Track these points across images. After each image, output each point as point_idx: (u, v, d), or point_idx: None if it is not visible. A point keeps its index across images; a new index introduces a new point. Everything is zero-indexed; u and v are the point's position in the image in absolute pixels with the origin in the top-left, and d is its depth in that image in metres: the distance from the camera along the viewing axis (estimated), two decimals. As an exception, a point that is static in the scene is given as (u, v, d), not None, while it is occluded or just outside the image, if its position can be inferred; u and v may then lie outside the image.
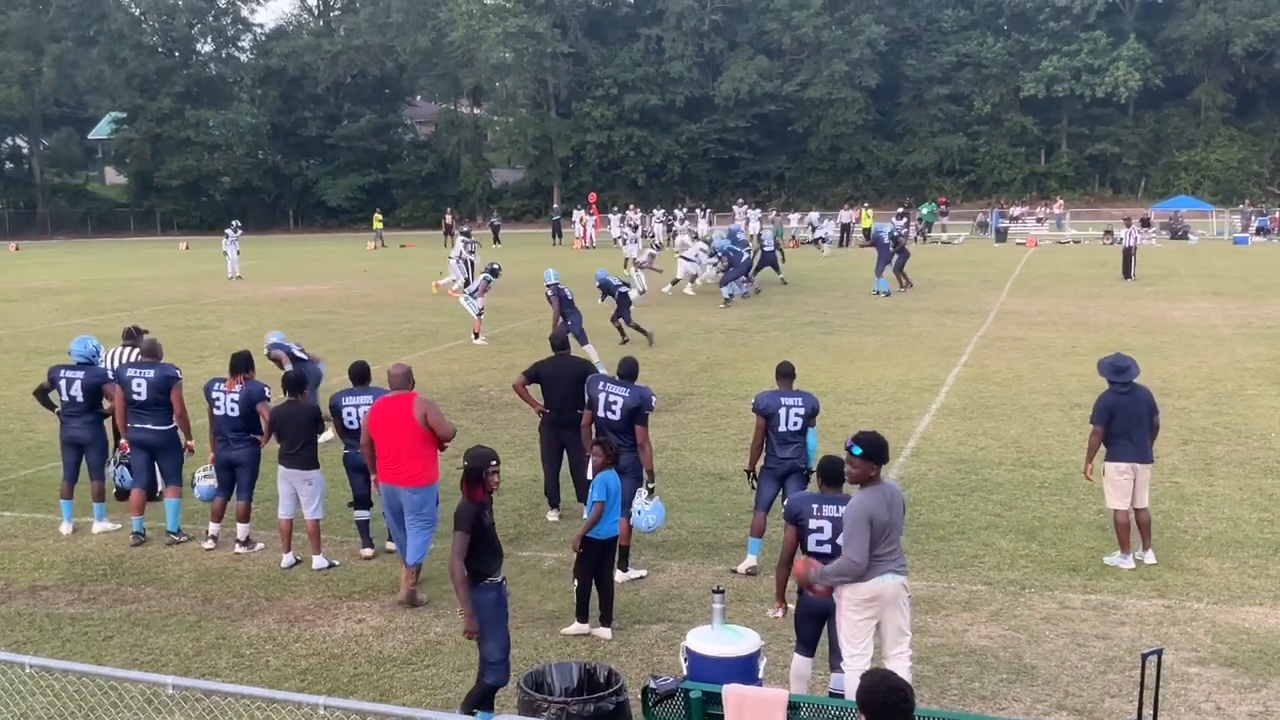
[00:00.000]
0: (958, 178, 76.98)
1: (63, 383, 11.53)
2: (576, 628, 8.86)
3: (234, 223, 45.40)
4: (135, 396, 11.21)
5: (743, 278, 30.89)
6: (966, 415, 16.09)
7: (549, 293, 20.84)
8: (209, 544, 11.00)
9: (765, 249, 33.62)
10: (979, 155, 76.81)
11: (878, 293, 30.81)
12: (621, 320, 23.14)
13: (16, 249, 64.10)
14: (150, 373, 11.29)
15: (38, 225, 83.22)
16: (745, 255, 31.48)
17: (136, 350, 12.63)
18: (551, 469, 11.77)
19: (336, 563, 10.46)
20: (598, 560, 8.84)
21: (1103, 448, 10.29)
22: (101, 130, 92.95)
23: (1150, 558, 10.12)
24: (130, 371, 11.33)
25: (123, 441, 11.60)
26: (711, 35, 78.98)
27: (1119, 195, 74.17)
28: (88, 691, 7.16)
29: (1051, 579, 9.81)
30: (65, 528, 11.56)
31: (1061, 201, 65.94)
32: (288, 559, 10.46)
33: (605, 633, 8.80)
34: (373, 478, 10.02)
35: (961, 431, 15.10)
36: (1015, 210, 63.50)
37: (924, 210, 59.61)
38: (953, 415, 16.10)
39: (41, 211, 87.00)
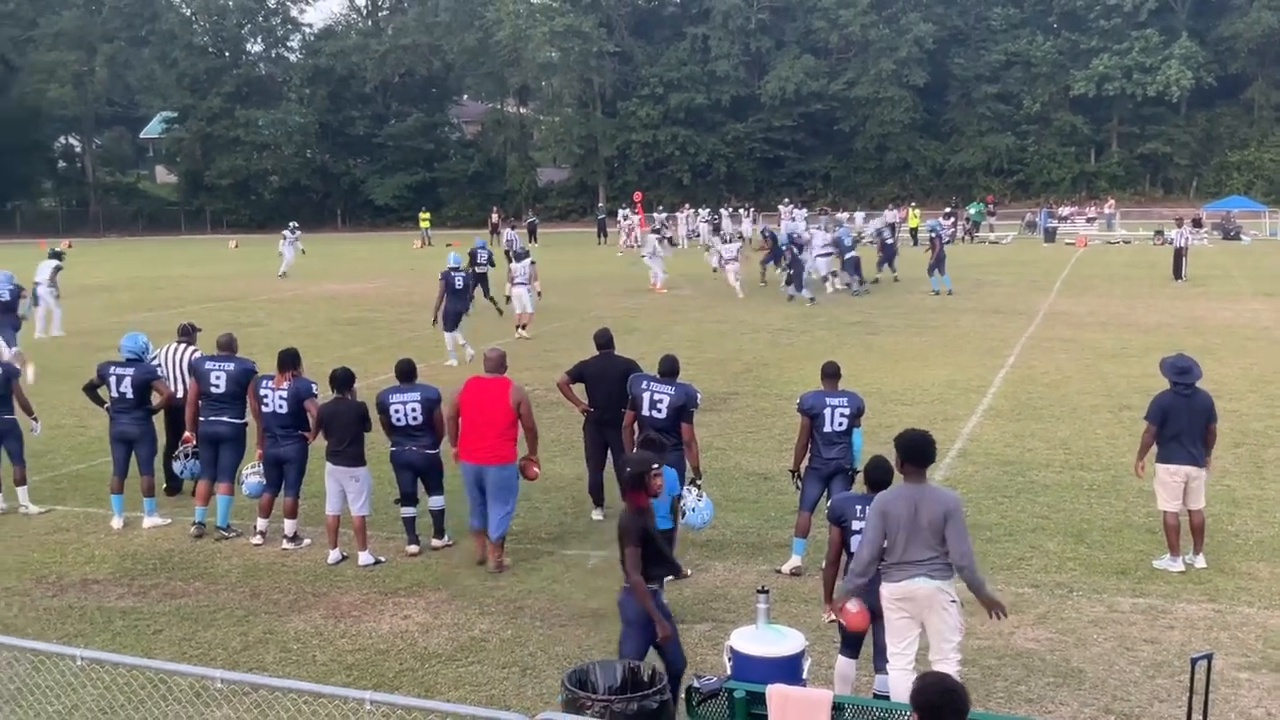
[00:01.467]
0: (1006, 177, 76.29)
1: (113, 379, 11.67)
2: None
3: (292, 224, 45.83)
4: (214, 389, 11.35)
5: (855, 276, 31.93)
6: (1014, 416, 15.97)
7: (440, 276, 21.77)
8: (257, 540, 11.11)
9: (848, 250, 33.23)
10: (1028, 155, 76.10)
11: (936, 291, 30.69)
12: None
13: (69, 246, 64.88)
14: (229, 366, 11.44)
15: (90, 223, 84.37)
16: (850, 253, 32.28)
17: (191, 347, 12.81)
18: (595, 467, 11.78)
19: (382, 559, 10.53)
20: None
21: (1156, 448, 10.18)
22: (153, 129, 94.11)
23: (1200, 561, 9.99)
24: (209, 364, 11.47)
25: (187, 434, 11.74)
26: (758, 34, 78.74)
27: (1170, 195, 73.24)
28: (137, 684, 7.25)
29: (1100, 582, 9.71)
30: (116, 522, 11.71)
31: (1112, 201, 65.20)
32: (334, 555, 10.54)
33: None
34: (452, 451, 10.39)
35: (1009, 433, 14.98)
36: (1064, 210, 62.84)
37: (972, 210, 59.15)
38: (1000, 416, 15.98)
39: (94, 209, 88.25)
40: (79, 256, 56.67)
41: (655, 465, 7.41)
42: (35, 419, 12.65)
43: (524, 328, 24.71)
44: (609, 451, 11.58)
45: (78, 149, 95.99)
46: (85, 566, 10.58)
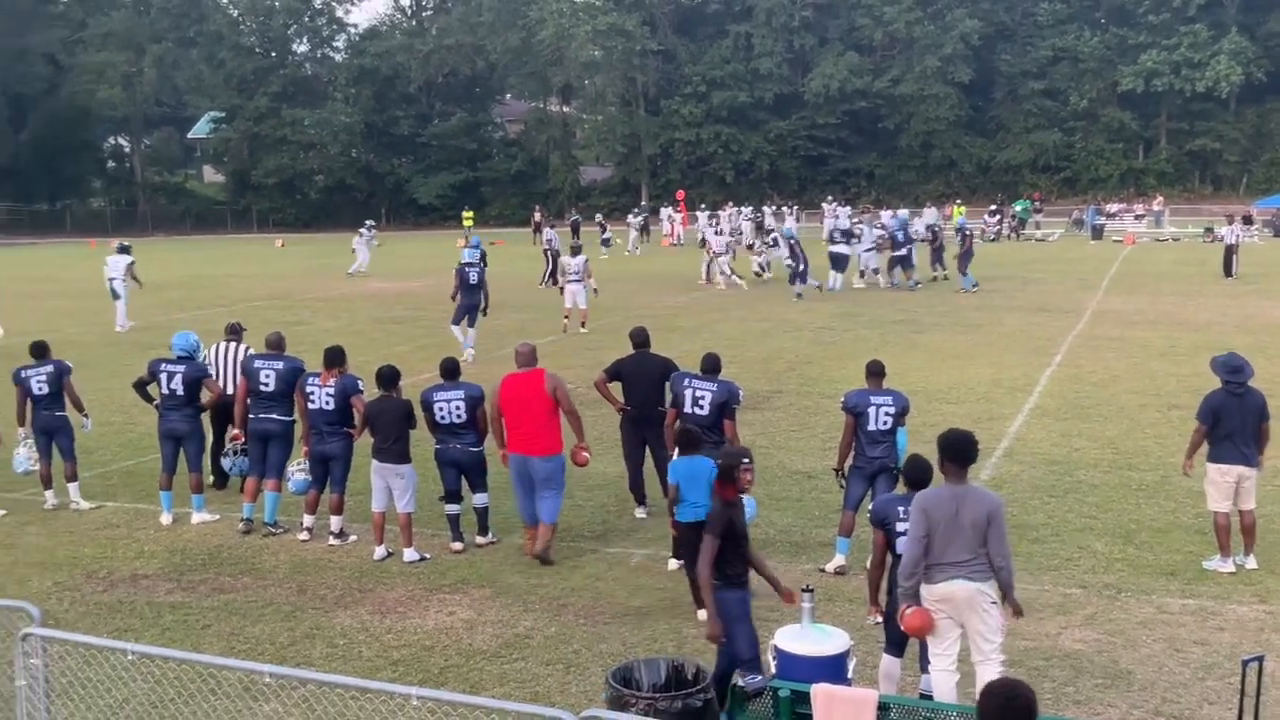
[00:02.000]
0: (1053, 174, 75.60)
1: (163, 376, 11.81)
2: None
3: (368, 222, 46.20)
4: (263, 388, 11.48)
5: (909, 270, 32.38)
6: (1061, 416, 15.83)
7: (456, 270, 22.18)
8: (304, 536, 11.21)
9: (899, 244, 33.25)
10: (1075, 151, 75.34)
11: (967, 289, 30.52)
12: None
13: (113, 246, 65.73)
14: (279, 365, 11.57)
15: (138, 222, 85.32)
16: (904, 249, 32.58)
17: (240, 345, 12.94)
18: (635, 466, 11.80)
19: (427, 556, 10.59)
20: (687, 542, 8.85)
21: (1206, 447, 10.06)
22: (200, 129, 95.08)
23: (1252, 562, 9.87)
24: (258, 363, 11.60)
25: (236, 431, 11.86)
26: (801, 31, 78.45)
27: (1220, 192, 72.30)
28: (187, 679, 7.33)
29: (1149, 583, 9.61)
30: (165, 518, 11.85)
31: (1161, 198, 64.45)
32: (380, 551, 10.61)
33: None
34: (500, 452, 10.57)
35: (1056, 432, 14.85)
36: (1112, 207, 62.19)
37: (1018, 207, 58.67)
38: (1047, 416, 15.84)
39: (142, 209, 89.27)
40: (128, 255, 57.30)
41: (746, 459, 7.41)
42: (86, 415, 12.82)
43: (582, 324, 25.06)
44: (647, 449, 11.61)
45: (126, 149, 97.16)
46: (135, 562, 10.71)
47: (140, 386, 12.18)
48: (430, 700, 5.05)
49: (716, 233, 36.71)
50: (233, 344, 13.01)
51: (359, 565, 10.46)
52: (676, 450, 9.51)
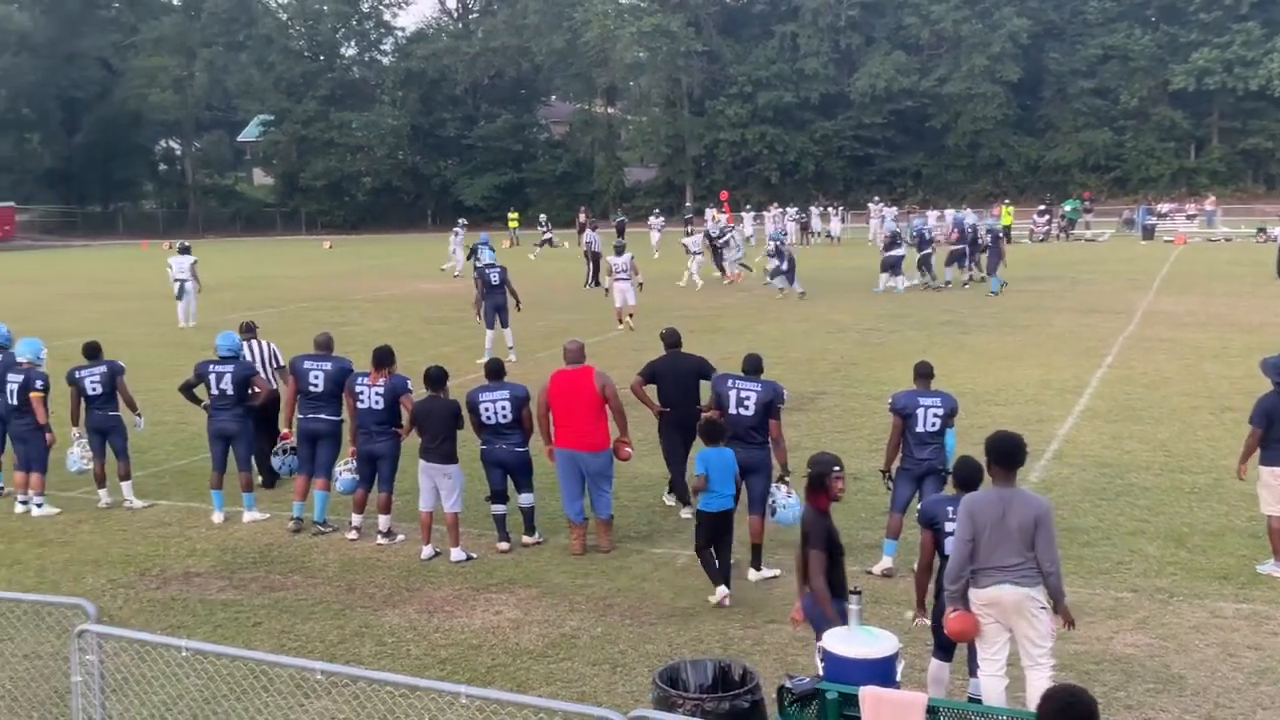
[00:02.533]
0: (1103, 174, 74.82)
1: (212, 377, 11.94)
2: (719, 592, 9.28)
3: (461, 221, 46.60)
4: (312, 388, 11.61)
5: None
6: (1112, 418, 15.67)
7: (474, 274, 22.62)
8: (352, 535, 11.30)
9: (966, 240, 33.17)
10: (1125, 151, 74.52)
11: (996, 292, 30.45)
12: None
13: (170, 247, 66.50)
14: (327, 365, 11.70)
15: (189, 224, 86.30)
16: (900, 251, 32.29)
17: (258, 341, 13.37)
18: (677, 467, 11.82)
19: (474, 555, 10.65)
20: (709, 531, 9.30)
21: (1260, 451, 9.92)
22: (250, 133, 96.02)
23: (1306, 567, 9.74)
24: (307, 364, 11.72)
25: (285, 430, 11.98)
26: (847, 31, 78.11)
27: (1273, 191, 71.28)
28: (239, 675, 7.40)
29: (1201, 587, 9.50)
30: (217, 517, 11.99)
31: (1213, 198, 63.61)
32: (427, 551, 10.68)
33: (722, 590, 9.30)
34: (547, 449, 10.75)
35: (1106, 434, 14.71)
36: (1163, 207, 61.44)
37: (1067, 207, 58.10)
38: (1097, 418, 15.69)
39: (193, 211, 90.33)
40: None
41: (837, 467, 7.40)
42: (139, 415, 12.99)
43: (630, 317, 25.44)
44: (687, 449, 11.61)
45: (178, 152, 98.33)
46: (187, 560, 10.84)
47: (187, 390, 12.33)
48: (479, 699, 5.08)
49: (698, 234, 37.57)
50: (254, 342, 13.36)
51: (407, 564, 10.54)
52: (702, 442, 9.63)
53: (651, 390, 11.84)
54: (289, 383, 11.90)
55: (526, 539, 11.01)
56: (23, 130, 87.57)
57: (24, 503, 12.46)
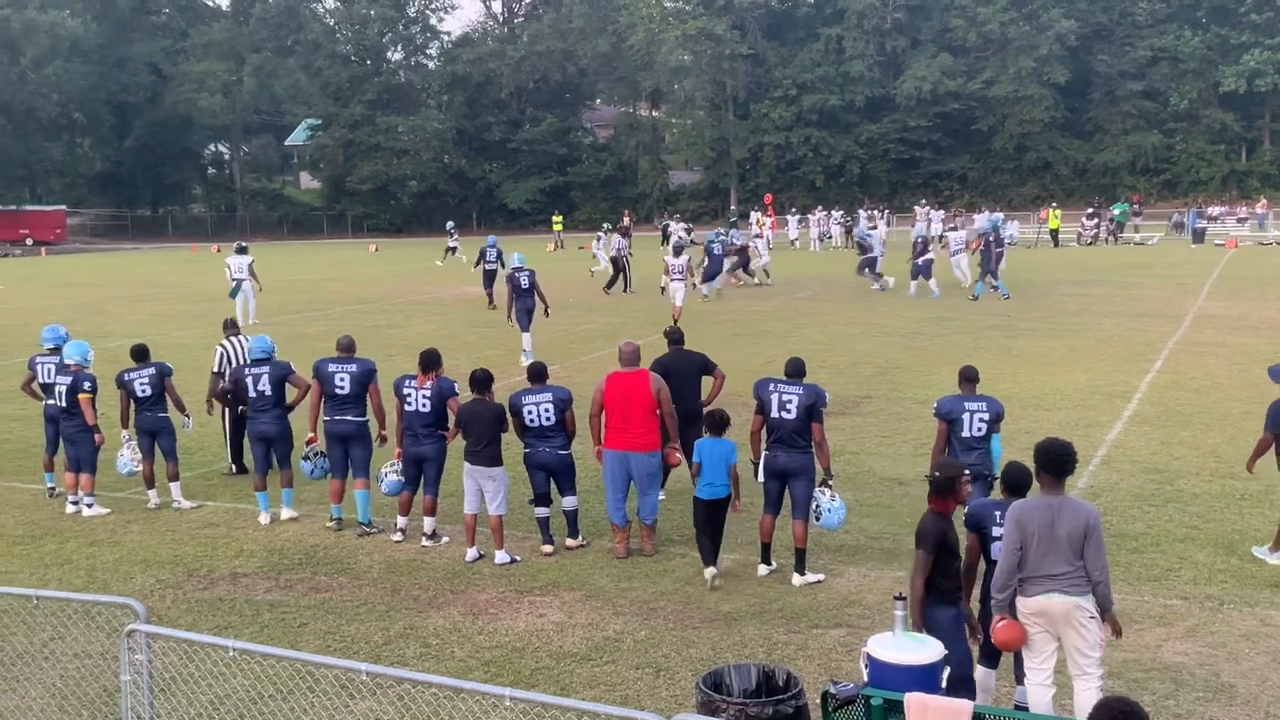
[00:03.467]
0: (1152, 176, 74.03)
1: (249, 379, 12.04)
2: (708, 573, 9.90)
3: (606, 226, 46.88)
4: (338, 390, 11.68)
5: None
6: (1161, 423, 15.49)
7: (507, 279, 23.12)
8: (397, 537, 11.36)
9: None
10: (1175, 153, 73.71)
11: (1001, 292, 30.28)
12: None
13: (218, 250, 67.25)
14: (353, 367, 11.76)
15: (237, 227, 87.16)
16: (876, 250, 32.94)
17: (239, 339, 14.07)
18: (685, 459, 12.00)
19: (518, 558, 10.68)
20: (704, 518, 9.95)
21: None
22: (297, 137, 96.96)
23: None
24: (332, 367, 11.79)
25: (311, 434, 12.06)
26: (893, 34, 77.77)
27: (1327, 194, 70.31)
28: (285, 675, 7.47)
29: (1252, 594, 9.37)
30: (264, 518, 12.09)
31: (1265, 201, 62.75)
32: (472, 553, 10.72)
33: (710, 571, 9.87)
34: (596, 449, 10.90)
35: (1155, 440, 14.54)
36: (1214, 210, 60.69)
37: (1116, 210, 57.53)
38: (1146, 423, 15.52)
39: (241, 215, 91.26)
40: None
41: (966, 471, 7.38)
42: (187, 416, 13.12)
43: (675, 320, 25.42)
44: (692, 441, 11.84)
45: (226, 156, 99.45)
46: (234, 560, 10.94)
47: (223, 396, 12.43)
48: (523, 701, 5.09)
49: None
50: (236, 339, 14.05)
51: (451, 567, 10.58)
52: (705, 430, 10.12)
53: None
54: (312, 385, 11.95)
55: (570, 542, 11.02)
56: (74, 135, 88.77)
57: (75, 503, 12.62)
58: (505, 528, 10.79)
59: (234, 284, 29.37)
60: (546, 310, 22.79)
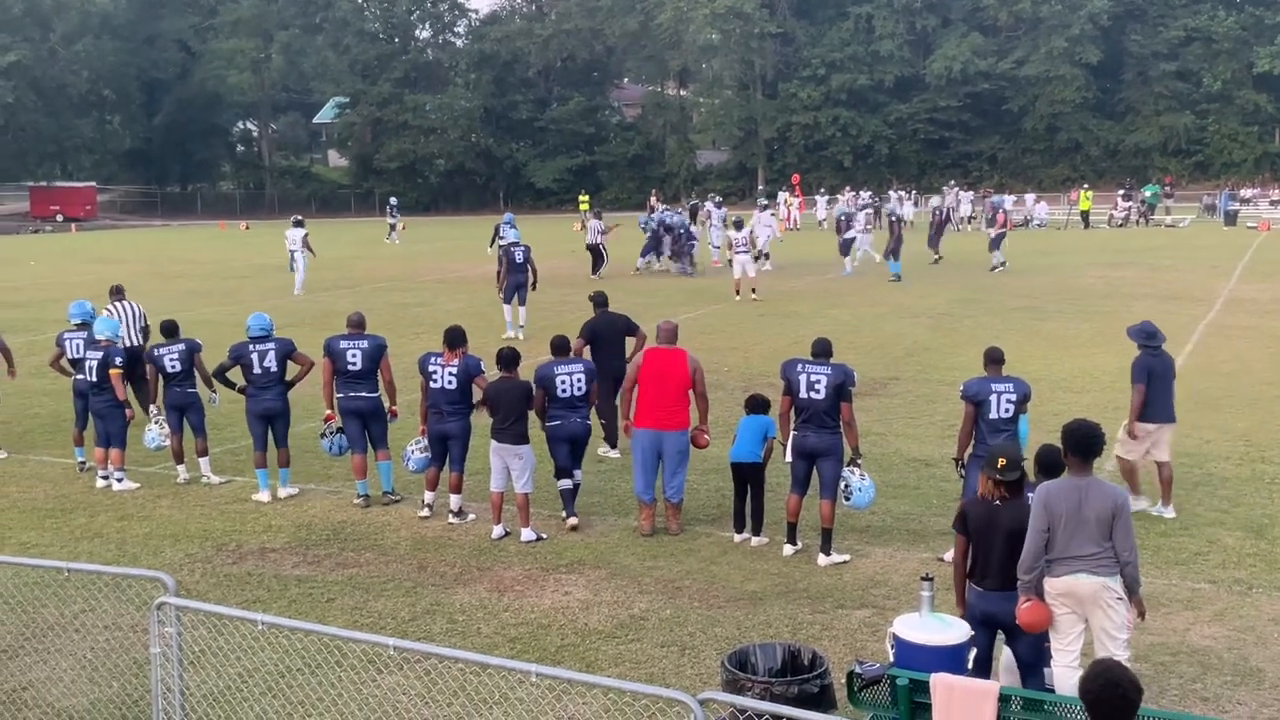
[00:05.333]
0: (1184, 158, 73.39)
1: (254, 356, 12.07)
2: (736, 537, 10.44)
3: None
4: (350, 367, 11.76)
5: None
6: (1191, 407, 15.32)
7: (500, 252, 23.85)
8: (424, 513, 11.42)
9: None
10: (1208, 135, 73.04)
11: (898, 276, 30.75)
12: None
13: (247, 228, 67.62)
14: (364, 343, 11.85)
15: (266, 205, 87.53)
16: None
17: (126, 303, 14.88)
18: (611, 416, 13.06)
19: (544, 535, 10.71)
20: (736, 479, 10.55)
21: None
22: (325, 114, 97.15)
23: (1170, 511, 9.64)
24: (344, 344, 11.86)
25: (328, 412, 12.10)
26: (924, 13, 77.27)
27: (1361, 176, 69.54)
28: (313, 649, 7.52)
29: (1282, 579, 9.31)
30: (263, 495, 12.12)
31: (1298, 183, 62.16)
32: (498, 531, 10.76)
33: (757, 540, 10.36)
34: (623, 424, 11.18)
35: (1185, 424, 14.33)
36: (1246, 192, 60.09)
37: (1147, 192, 57.07)
38: (1176, 406, 15.36)
39: (270, 192, 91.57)
40: (256, 238, 58.87)
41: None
42: (214, 392, 13.15)
43: (753, 291, 26.81)
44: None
45: (255, 133, 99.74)
46: (263, 535, 11.01)
47: (221, 373, 12.46)
48: (549, 677, 5.12)
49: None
50: (123, 303, 15.28)
51: (477, 544, 10.62)
52: (746, 411, 10.77)
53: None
54: (322, 363, 11.99)
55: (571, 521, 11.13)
56: (104, 111, 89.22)
57: (105, 477, 12.73)
58: (530, 505, 10.82)
59: (290, 255, 31.29)
60: (535, 283, 23.31)
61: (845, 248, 33.31)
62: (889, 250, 31.86)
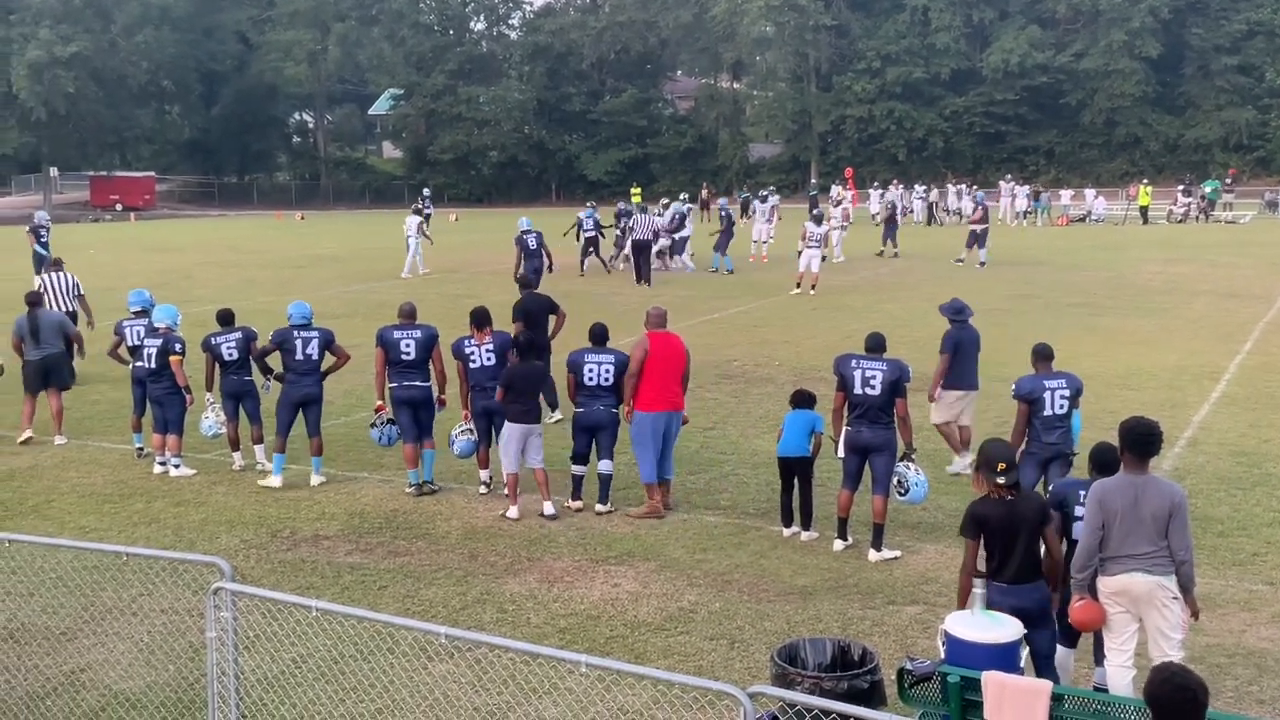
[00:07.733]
0: (1245, 153, 72.10)
1: (298, 342, 12.21)
2: (786, 531, 10.46)
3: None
4: (404, 357, 11.90)
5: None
6: (1250, 405, 15.15)
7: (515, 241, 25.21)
8: (482, 490, 11.83)
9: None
10: (1270, 130, 71.68)
11: (715, 270, 31.80)
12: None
13: (302, 218, 68.27)
14: (417, 333, 11.99)
15: (321, 196, 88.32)
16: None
17: (61, 274, 16.72)
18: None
19: (563, 508, 11.15)
20: (782, 473, 10.53)
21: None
22: (380, 106, 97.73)
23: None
24: (398, 334, 11.98)
25: (379, 402, 12.20)
26: (981, 5, 76.51)
27: None
28: (366, 636, 7.59)
29: (1342, 583, 9.15)
30: (275, 480, 12.24)
31: (1363, 179, 60.93)
32: (514, 511, 11.05)
33: (806, 535, 10.38)
34: (625, 409, 11.23)
35: (1244, 422, 14.23)
36: (1309, 189, 59.00)
37: (1208, 188, 56.17)
38: (1235, 405, 15.19)
39: (325, 183, 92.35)
40: (311, 228, 59.41)
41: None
42: (268, 379, 13.26)
43: (812, 287, 26.87)
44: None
45: (311, 125, 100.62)
46: (316, 523, 11.12)
47: (261, 357, 12.60)
48: (599, 668, 5.13)
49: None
50: (58, 273, 17.36)
51: (527, 534, 10.67)
52: (792, 406, 10.75)
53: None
54: (377, 353, 12.08)
55: (599, 507, 11.27)
56: (163, 102, 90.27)
57: (162, 464, 12.89)
58: (522, 488, 11.20)
59: (408, 240, 33.50)
60: (550, 266, 24.67)
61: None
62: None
